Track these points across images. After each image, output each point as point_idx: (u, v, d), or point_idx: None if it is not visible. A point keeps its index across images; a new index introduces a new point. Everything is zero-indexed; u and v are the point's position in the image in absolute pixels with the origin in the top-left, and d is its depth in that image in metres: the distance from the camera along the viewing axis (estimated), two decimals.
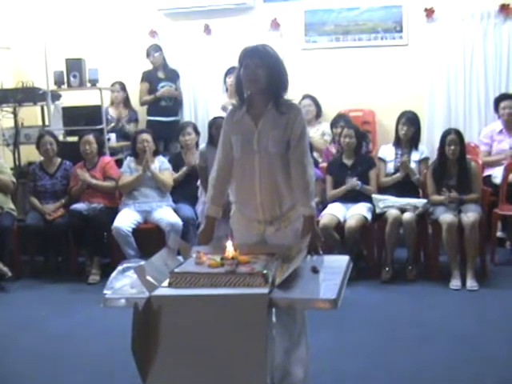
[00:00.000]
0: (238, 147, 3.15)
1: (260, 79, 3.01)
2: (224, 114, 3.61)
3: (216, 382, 2.60)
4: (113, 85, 7.31)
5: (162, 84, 7.27)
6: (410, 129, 5.78)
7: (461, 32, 6.85)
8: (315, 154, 6.29)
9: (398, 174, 5.69)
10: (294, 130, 3.06)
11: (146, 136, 6.05)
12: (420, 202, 5.51)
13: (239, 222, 3.27)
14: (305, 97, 6.92)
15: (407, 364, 3.79)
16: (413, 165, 5.70)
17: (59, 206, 6.08)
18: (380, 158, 5.88)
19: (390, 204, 5.49)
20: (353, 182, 5.61)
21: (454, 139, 5.40)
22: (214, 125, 5.22)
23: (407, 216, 5.35)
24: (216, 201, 3.26)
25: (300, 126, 3.08)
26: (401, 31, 7.07)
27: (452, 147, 5.39)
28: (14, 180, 6.20)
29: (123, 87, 7.38)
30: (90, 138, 6.15)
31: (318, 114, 6.94)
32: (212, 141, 5.23)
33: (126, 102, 7.41)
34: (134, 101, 7.47)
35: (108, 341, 4.31)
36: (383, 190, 5.71)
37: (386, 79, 7.13)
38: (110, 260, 5.98)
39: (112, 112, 7.14)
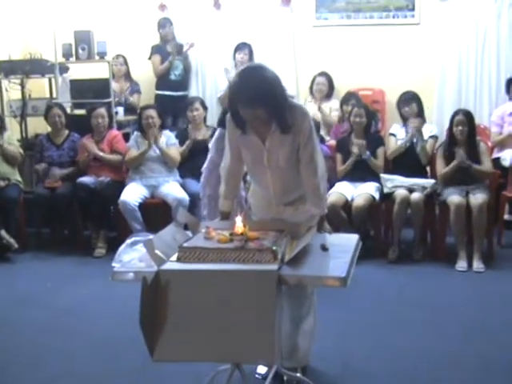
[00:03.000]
0: (248, 161, 3.14)
1: (262, 117, 2.88)
2: None
3: (223, 357, 2.60)
4: (116, 58, 7.22)
5: (171, 58, 7.21)
6: (411, 107, 5.81)
7: (474, 12, 6.79)
8: (322, 132, 6.27)
9: (407, 138, 5.65)
10: (302, 135, 2.98)
11: (151, 112, 6.01)
12: (428, 182, 5.48)
13: (258, 200, 3.29)
14: (320, 74, 6.87)
15: (412, 344, 3.79)
16: None
17: (66, 173, 6.08)
18: (391, 134, 5.87)
19: (398, 184, 5.47)
20: (359, 142, 5.57)
21: (461, 120, 5.36)
22: None
23: (415, 196, 5.33)
24: (229, 196, 3.28)
25: (307, 129, 2.98)
26: (413, 10, 7.01)
27: (460, 127, 5.35)
28: (22, 151, 6.20)
29: (125, 61, 7.32)
30: (103, 111, 6.13)
31: (329, 93, 6.87)
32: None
33: (127, 75, 7.36)
34: (137, 74, 7.40)
35: (114, 314, 4.32)
36: (392, 168, 5.70)
37: (397, 58, 7.07)
38: (116, 234, 5.98)
39: (114, 86, 7.05)
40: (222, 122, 4.63)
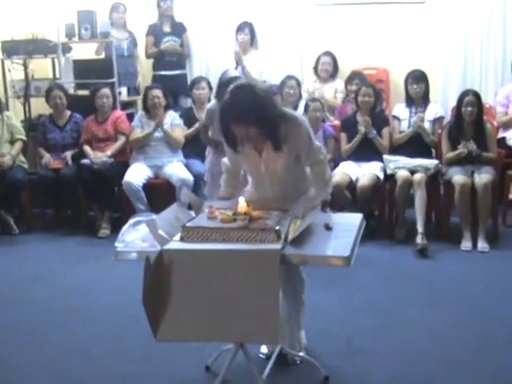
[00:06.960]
0: (246, 169, 3.21)
1: (254, 135, 2.90)
2: None
3: (227, 337, 2.61)
4: (117, 5, 7.10)
5: (165, 39, 7.12)
6: (420, 86, 5.71)
7: None
8: (326, 113, 6.23)
9: (410, 129, 5.63)
10: (302, 147, 3.02)
11: (157, 92, 5.98)
12: (432, 163, 5.44)
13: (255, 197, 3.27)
14: (325, 53, 6.79)
15: (416, 323, 3.79)
16: (427, 124, 5.63)
17: (70, 155, 6.04)
18: (394, 116, 5.82)
19: (400, 165, 5.43)
20: (365, 119, 5.55)
21: (471, 100, 5.31)
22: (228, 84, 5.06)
23: (417, 176, 5.28)
24: (230, 183, 3.30)
25: (306, 140, 3.02)
26: None
27: (469, 108, 5.30)
28: (25, 138, 6.20)
29: (125, 9, 7.19)
30: (107, 91, 6.10)
31: (334, 73, 6.79)
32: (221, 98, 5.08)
33: (125, 24, 7.25)
34: (141, 53, 7.34)
35: (118, 294, 4.33)
36: (396, 148, 5.67)
37: (402, 37, 7.00)
38: (120, 214, 5.98)
39: (114, 33, 6.93)
40: (218, 94, 4.67)
